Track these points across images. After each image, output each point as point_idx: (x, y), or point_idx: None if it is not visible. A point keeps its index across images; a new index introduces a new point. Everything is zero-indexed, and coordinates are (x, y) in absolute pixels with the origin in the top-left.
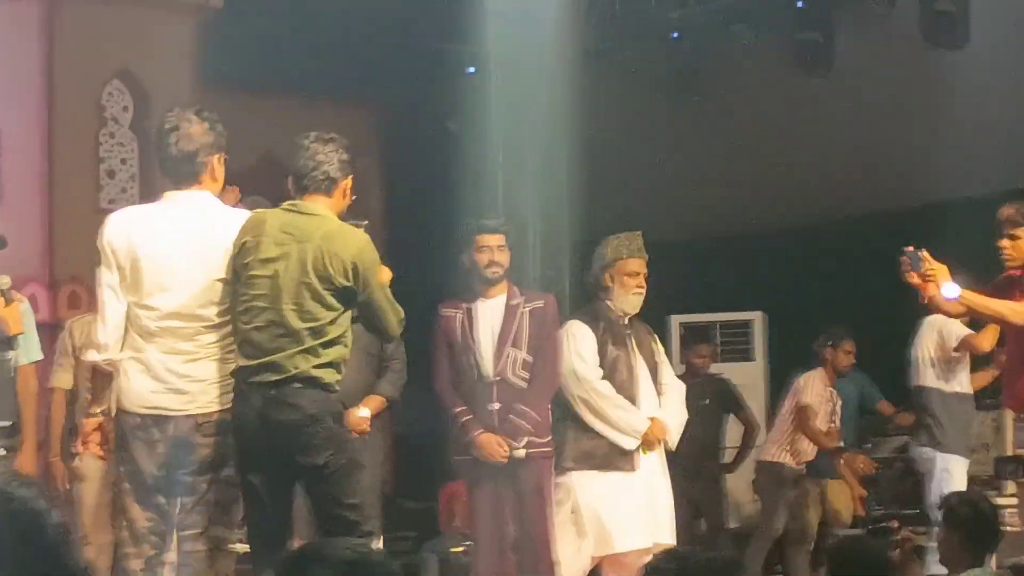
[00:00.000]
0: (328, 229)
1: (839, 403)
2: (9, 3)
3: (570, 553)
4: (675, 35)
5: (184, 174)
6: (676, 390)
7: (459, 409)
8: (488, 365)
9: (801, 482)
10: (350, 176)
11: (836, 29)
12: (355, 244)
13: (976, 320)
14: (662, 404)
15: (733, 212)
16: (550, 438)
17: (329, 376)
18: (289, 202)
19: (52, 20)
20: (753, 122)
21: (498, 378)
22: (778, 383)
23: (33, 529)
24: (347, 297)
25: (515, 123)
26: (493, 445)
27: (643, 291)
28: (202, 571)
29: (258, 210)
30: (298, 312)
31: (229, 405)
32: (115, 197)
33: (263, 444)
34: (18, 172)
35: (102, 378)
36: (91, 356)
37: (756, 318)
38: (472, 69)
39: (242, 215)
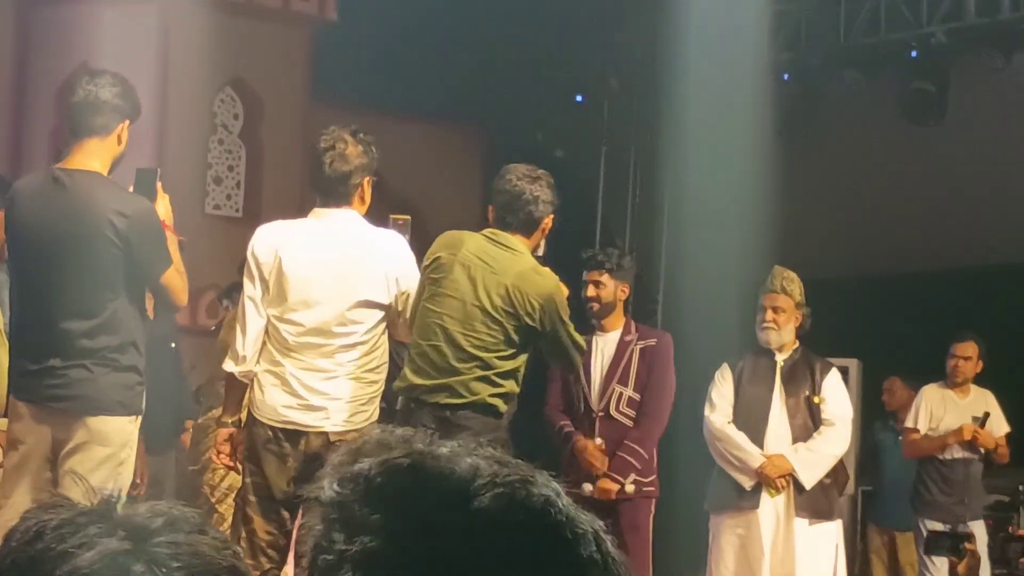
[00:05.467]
0: (523, 268)
1: None
2: (125, 5)
3: None
4: (785, 76)
5: (337, 194)
6: (834, 429)
7: (563, 422)
8: (595, 399)
9: None
10: (551, 215)
11: (950, 81)
12: (546, 286)
13: None
14: (813, 441)
15: (834, 258)
16: (653, 478)
17: (502, 406)
18: (491, 230)
19: (168, 27)
20: (860, 168)
21: (602, 413)
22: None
23: None
24: (529, 334)
25: (621, 154)
26: (597, 455)
27: (774, 326)
28: None
29: (455, 231)
30: (481, 339)
31: (362, 425)
32: (220, 203)
33: None
34: (127, 175)
35: (237, 389)
36: (228, 367)
37: (852, 365)
38: (580, 97)
39: (388, 235)
